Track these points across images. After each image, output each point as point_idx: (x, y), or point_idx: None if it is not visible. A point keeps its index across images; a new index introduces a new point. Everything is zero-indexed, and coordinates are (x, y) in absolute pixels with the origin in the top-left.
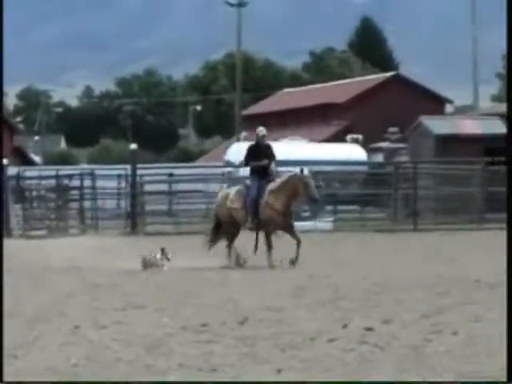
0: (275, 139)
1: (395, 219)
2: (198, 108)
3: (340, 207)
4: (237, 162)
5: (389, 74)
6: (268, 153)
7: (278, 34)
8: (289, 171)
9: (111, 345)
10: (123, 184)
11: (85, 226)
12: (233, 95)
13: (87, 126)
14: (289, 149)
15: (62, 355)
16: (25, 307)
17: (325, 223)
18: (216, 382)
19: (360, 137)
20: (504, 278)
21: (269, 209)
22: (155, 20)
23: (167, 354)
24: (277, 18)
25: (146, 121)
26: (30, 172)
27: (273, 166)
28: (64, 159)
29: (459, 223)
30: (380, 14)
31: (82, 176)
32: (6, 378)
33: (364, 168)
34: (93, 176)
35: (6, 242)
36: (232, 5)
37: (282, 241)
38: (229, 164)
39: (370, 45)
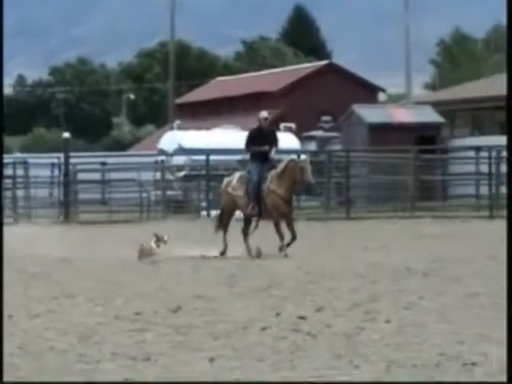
0: (208, 128)
1: (328, 207)
2: (132, 96)
3: None
4: (170, 151)
5: (322, 63)
6: (270, 138)
7: (211, 22)
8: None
9: (44, 334)
10: (56, 173)
11: (17, 214)
12: (167, 84)
13: (20, 115)
14: (222, 137)
15: None
16: None
17: None
18: (218, 382)
19: (293, 125)
20: (435, 265)
21: (272, 195)
22: (89, 8)
23: (100, 343)
24: (210, 6)
25: (79, 109)
26: None
27: (273, 152)
28: None
29: (391, 211)
30: (313, 2)
31: (14, 165)
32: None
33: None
34: (26, 165)
35: None
36: None
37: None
38: (162, 153)
39: (302, 33)
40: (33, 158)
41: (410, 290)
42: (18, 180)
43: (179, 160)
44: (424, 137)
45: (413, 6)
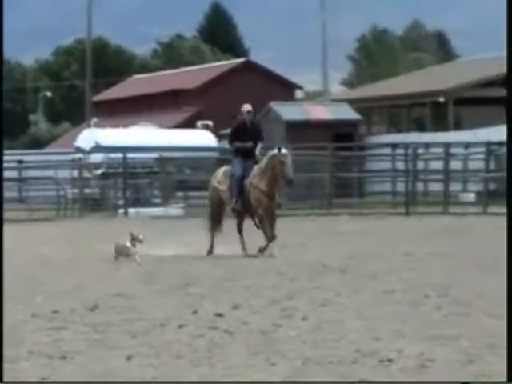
0: (125, 125)
1: None
2: (49, 94)
3: (191, 193)
4: (87, 149)
5: (239, 60)
6: (254, 133)
7: (128, 20)
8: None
9: None
10: None
11: None
12: (85, 81)
13: None
14: (140, 135)
15: None
16: None
17: (176, 209)
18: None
19: (210, 123)
20: (352, 262)
21: (255, 191)
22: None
23: (18, 342)
24: (127, 4)
25: None
26: None
27: (259, 147)
28: None
29: (309, 209)
30: (230, 1)
31: None
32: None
33: (214, 154)
34: None
35: None
36: None
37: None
38: (79, 150)
39: (219, 31)
40: None
41: (327, 286)
42: None
43: (96, 158)
44: (341, 134)
45: (330, 2)
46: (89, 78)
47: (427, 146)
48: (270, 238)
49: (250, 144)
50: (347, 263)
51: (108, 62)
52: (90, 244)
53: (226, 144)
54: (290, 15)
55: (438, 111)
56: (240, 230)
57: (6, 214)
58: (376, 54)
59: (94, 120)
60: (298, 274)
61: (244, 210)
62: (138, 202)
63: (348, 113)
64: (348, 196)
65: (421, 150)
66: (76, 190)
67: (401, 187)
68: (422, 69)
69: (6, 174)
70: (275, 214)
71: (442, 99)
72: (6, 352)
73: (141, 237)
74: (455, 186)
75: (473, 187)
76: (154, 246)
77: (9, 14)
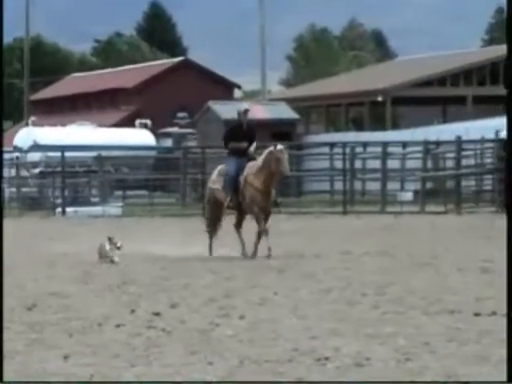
0: (63, 124)
1: (184, 204)
2: None
3: (129, 192)
4: (25, 147)
5: (177, 59)
6: (249, 134)
7: (67, 18)
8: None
9: None
10: None
11: None
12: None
13: None
14: (77, 134)
15: None
16: None
17: (114, 208)
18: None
19: (149, 122)
20: (290, 261)
21: (250, 188)
22: None
23: None
24: (65, 2)
25: None
26: None
27: (252, 148)
28: None
29: None
30: (169, 0)
31: None
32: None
33: (153, 153)
34: None
35: None
36: None
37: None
38: (17, 149)
39: (158, 29)
40: None
41: (265, 285)
42: None
43: (34, 156)
44: (279, 133)
45: (268, 2)
46: (26, 77)
47: (365, 145)
48: (261, 231)
49: (245, 144)
50: (285, 262)
51: (46, 61)
52: (29, 243)
53: (164, 143)
54: (229, 15)
55: (376, 110)
56: (238, 227)
57: None
58: (314, 53)
59: (32, 119)
60: (235, 272)
61: (238, 207)
62: (77, 201)
63: (286, 112)
64: (286, 195)
65: (359, 149)
66: (14, 189)
67: (339, 186)
68: (360, 68)
69: None
70: (270, 212)
71: (379, 98)
72: None
73: (118, 244)
74: (393, 185)
75: (410, 186)
76: (92, 245)
77: None
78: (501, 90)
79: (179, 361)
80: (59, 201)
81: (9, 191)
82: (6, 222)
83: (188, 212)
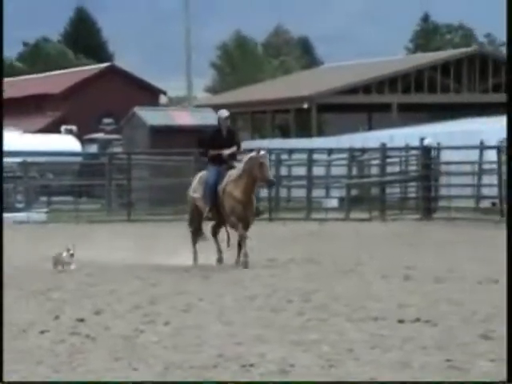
0: None
1: (109, 210)
2: None
3: (54, 198)
4: None
5: (103, 65)
6: (230, 140)
7: None
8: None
9: None
10: None
11: None
12: None
13: None
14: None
15: None
16: None
17: (38, 214)
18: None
19: (74, 128)
20: (216, 268)
21: (229, 198)
22: None
23: None
24: None
25: None
26: None
27: (228, 151)
28: None
29: (173, 214)
30: (95, 4)
31: None
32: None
33: (78, 159)
34: None
35: None
36: None
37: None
38: None
39: (84, 35)
40: None
41: (190, 292)
42: None
43: None
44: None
45: (194, 8)
46: None
47: (291, 152)
48: (241, 238)
49: (225, 152)
50: (211, 269)
51: None
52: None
53: (90, 149)
54: (155, 21)
55: (302, 117)
56: (215, 233)
57: None
58: (238, 60)
59: None
60: (161, 279)
61: (218, 217)
62: (1, 206)
63: (212, 118)
64: None
65: (284, 156)
66: None
67: (264, 193)
68: (286, 75)
69: None
70: (251, 221)
71: (305, 105)
72: None
73: (71, 252)
74: (318, 192)
75: (335, 193)
76: (11, 252)
77: None
78: (425, 98)
79: (103, 367)
80: None
81: None
82: None
83: (114, 218)
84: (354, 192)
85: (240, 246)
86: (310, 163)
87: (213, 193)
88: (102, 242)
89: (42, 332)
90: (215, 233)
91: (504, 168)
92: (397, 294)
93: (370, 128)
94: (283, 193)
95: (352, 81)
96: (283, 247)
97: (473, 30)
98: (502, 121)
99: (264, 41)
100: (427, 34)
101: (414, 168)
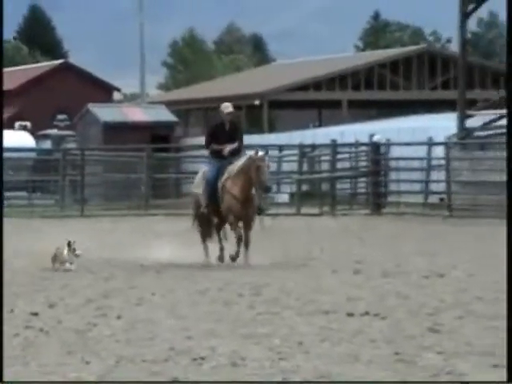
0: None
1: (63, 205)
2: None
3: (8, 193)
4: None
5: (57, 62)
6: (233, 134)
7: None
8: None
9: None
10: None
11: None
12: None
13: None
14: None
15: None
16: None
17: None
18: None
19: (28, 124)
20: (167, 263)
21: (227, 195)
22: None
23: None
24: None
25: None
26: None
27: (229, 148)
28: None
29: (126, 209)
30: (50, 3)
31: None
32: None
33: (32, 154)
34: None
35: None
36: None
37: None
38: None
39: (38, 33)
40: None
41: (143, 286)
42: None
43: None
44: (158, 136)
45: (148, 7)
46: None
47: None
48: (244, 243)
49: (226, 147)
50: (163, 264)
51: None
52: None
53: (44, 144)
54: (110, 20)
55: (254, 114)
56: (218, 230)
57: None
58: (190, 58)
59: None
60: (114, 273)
61: (218, 212)
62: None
63: (165, 115)
64: (165, 197)
65: None
66: None
67: None
68: (237, 72)
69: None
70: (252, 219)
71: (257, 102)
72: None
73: (78, 251)
74: None
75: (286, 188)
76: None
77: None
78: (375, 95)
79: (56, 360)
80: None
81: None
82: None
83: (67, 213)
84: (304, 187)
85: (239, 244)
86: None
87: (211, 189)
88: (55, 237)
89: None
90: (218, 230)
91: (452, 164)
92: (346, 287)
93: (321, 124)
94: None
95: (303, 78)
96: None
97: (421, 29)
98: (449, 117)
99: (217, 38)
100: (376, 32)
101: (363, 164)
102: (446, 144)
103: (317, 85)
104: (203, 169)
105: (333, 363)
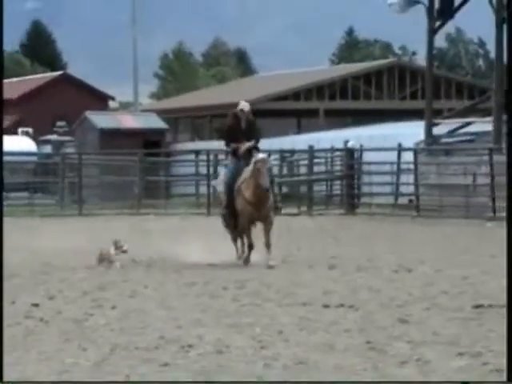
0: None
1: (62, 205)
2: None
3: (11, 194)
4: None
5: (57, 73)
6: (250, 132)
7: None
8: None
9: None
10: None
11: None
12: None
13: None
14: None
15: None
16: None
17: None
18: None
19: (30, 130)
20: (158, 258)
21: (240, 198)
22: None
23: None
24: None
25: None
26: None
27: (245, 146)
28: None
29: (120, 208)
30: (50, 18)
31: None
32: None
33: (34, 158)
34: None
35: None
36: None
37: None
38: None
39: (39, 46)
40: None
41: (135, 280)
42: None
43: None
44: (150, 141)
45: (141, 22)
46: None
47: (227, 152)
48: (265, 244)
49: (242, 145)
50: (154, 258)
51: None
52: None
53: (45, 149)
54: (105, 34)
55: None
56: (239, 233)
57: None
58: (178, 70)
59: None
60: (110, 267)
61: (233, 215)
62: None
63: (156, 122)
64: (156, 197)
65: (221, 156)
66: None
67: (203, 190)
68: (222, 83)
69: None
70: (268, 221)
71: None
72: None
73: (125, 247)
74: None
75: None
76: None
77: None
78: (349, 105)
79: (55, 347)
80: None
81: None
82: None
83: (66, 212)
84: (284, 189)
85: (249, 250)
86: None
87: (229, 191)
88: (54, 234)
89: None
90: (239, 231)
91: (420, 168)
92: (322, 281)
93: (299, 132)
94: (220, 188)
95: (283, 89)
96: (220, 239)
97: (390, 44)
98: (418, 125)
99: (204, 51)
100: (350, 47)
101: (338, 168)
102: (414, 150)
103: (296, 95)
104: (224, 170)
105: (310, 351)
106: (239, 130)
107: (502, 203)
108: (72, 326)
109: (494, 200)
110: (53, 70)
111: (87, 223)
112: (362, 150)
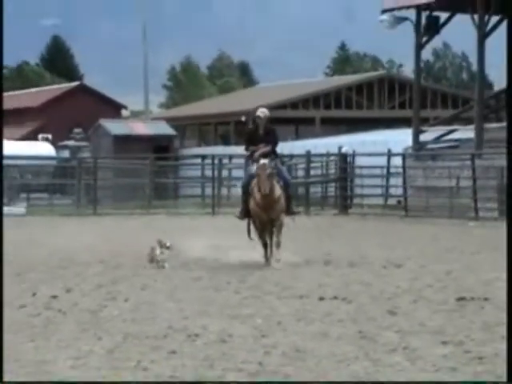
0: None
1: (79, 205)
2: None
3: (33, 195)
4: None
5: (74, 84)
6: (268, 138)
7: None
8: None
9: None
10: None
11: None
12: None
13: None
14: None
15: None
16: None
17: (19, 208)
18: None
19: (49, 136)
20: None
21: (252, 201)
22: None
23: None
24: None
25: None
26: None
27: (260, 151)
28: None
29: (132, 208)
30: (68, 34)
31: None
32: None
33: (53, 162)
34: None
35: None
36: None
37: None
38: None
39: (58, 59)
40: None
41: (146, 274)
42: None
43: None
44: (159, 146)
45: (151, 37)
46: None
47: (231, 157)
48: (275, 244)
49: (257, 152)
50: (164, 257)
51: None
52: None
53: (63, 154)
54: (118, 48)
55: (240, 128)
56: (259, 233)
57: None
58: (184, 81)
59: None
60: (121, 263)
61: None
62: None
63: (165, 129)
64: (165, 198)
65: (225, 161)
66: None
67: (208, 191)
68: (227, 93)
69: None
70: (278, 222)
71: (243, 118)
72: None
73: (168, 244)
74: None
75: None
76: None
77: None
78: (343, 113)
79: (72, 336)
80: None
81: None
82: None
83: (82, 212)
84: None
85: (270, 249)
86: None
87: (244, 194)
88: (71, 232)
89: (21, 307)
90: (260, 232)
91: (408, 171)
92: (318, 276)
93: (297, 138)
94: (224, 191)
95: (282, 98)
96: (225, 236)
97: (379, 57)
98: (406, 132)
99: (210, 64)
100: (343, 61)
101: (333, 171)
102: (402, 155)
103: (294, 104)
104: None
105: (307, 339)
106: (257, 135)
107: (483, 204)
108: (88, 317)
109: (475, 201)
110: (70, 80)
111: (101, 222)
112: (354, 154)
